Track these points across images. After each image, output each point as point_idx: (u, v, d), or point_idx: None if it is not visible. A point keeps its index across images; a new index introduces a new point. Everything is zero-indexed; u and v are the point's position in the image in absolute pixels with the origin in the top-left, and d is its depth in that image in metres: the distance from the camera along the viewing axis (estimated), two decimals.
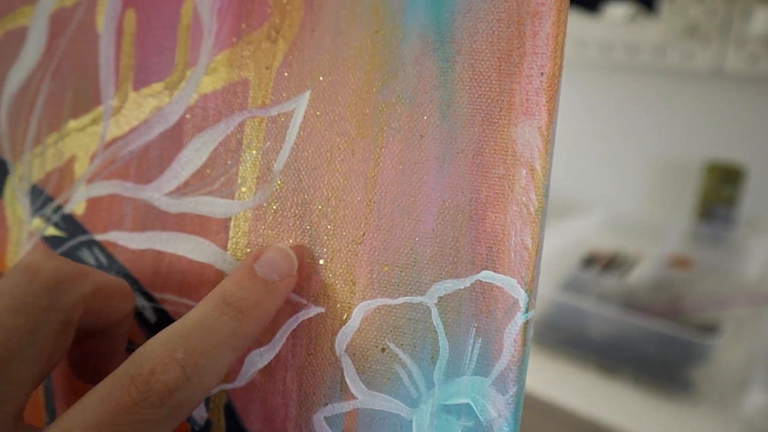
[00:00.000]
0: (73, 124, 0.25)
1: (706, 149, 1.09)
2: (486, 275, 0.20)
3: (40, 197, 0.25)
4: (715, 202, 1.04)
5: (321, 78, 0.21)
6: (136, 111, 0.24)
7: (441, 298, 0.20)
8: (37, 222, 0.25)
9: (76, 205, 0.25)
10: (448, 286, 0.20)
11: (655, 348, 0.75)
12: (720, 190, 1.04)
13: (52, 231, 0.25)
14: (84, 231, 0.24)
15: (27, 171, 0.25)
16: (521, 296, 0.19)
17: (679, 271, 0.92)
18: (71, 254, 0.25)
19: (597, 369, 0.78)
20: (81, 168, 0.24)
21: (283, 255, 0.21)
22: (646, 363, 0.75)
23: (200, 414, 0.23)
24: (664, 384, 0.73)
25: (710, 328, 0.76)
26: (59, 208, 0.25)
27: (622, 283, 0.88)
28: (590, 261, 0.97)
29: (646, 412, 0.71)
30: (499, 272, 0.20)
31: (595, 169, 1.23)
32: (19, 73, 0.26)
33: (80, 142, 0.25)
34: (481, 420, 0.20)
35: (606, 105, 1.21)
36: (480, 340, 0.20)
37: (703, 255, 0.97)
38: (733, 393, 0.72)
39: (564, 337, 0.80)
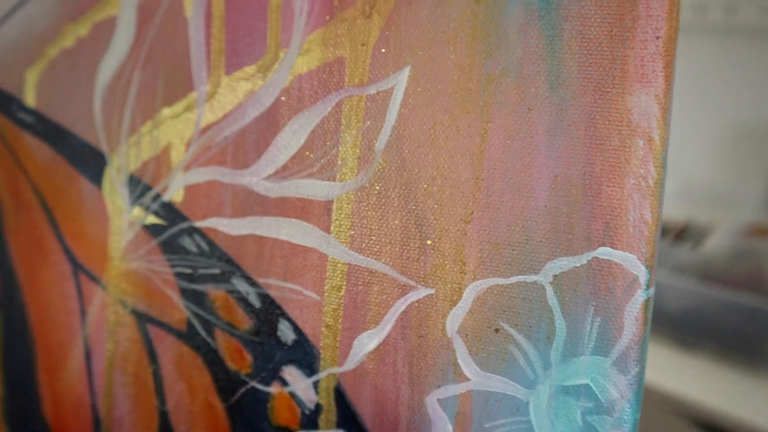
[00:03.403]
0: (167, 111, 0.25)
1: None
2: (603, 252, 0.19)
3: (138, 187, 0.25)
4: None
5: (420, 53, 0.20)
6: (229, 95, 0.23)
7: (556, 276, 0.19)
8: (136, 211, 0.26)
9: (175, 193, 0.25)
10: (563, 263, 0.19)
11: (737, 321, 0.73)
12: None
13: (152, 219, 0.25)
14: (184, 218, 0.24)
15: (124, 162, 0.26)
16: (642, 272, 0.19)
17: (758, 240, 0.88)
18: (173, 242, 0.25)
19: (673, 343, 0.75)
20: (177, 155, 0.25)
21: None
22: (726, 336, 0.73)
23: (309, 397, 0.23)
24: (746, 358, 0.71)
25: None
26: (158, 196, 0.25)
27: (697, 253, 0.85)
28: (661, 231, 0.94)
29: (727, 387, 0.69)
30: (617, 248, 0.19)
31: None
32: (110, 64, 0.26)
33: (175, 129, 0.25)
34: (602, 401, 0.19)
35: (675, 69, 1.16)
36: (599, 318, 0.19)
37: None
38: None
39: None
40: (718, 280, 0.78)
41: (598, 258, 0.19)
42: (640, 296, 0.19)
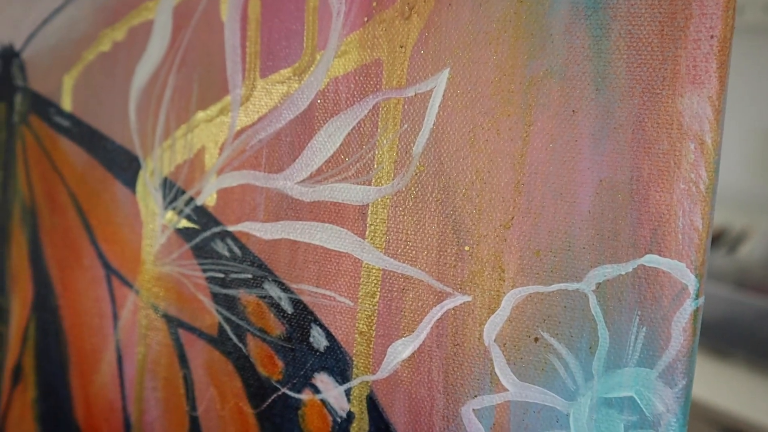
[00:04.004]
0: (201, 115, 0.25)
1: None
2: (650, 259, 0.18)
3: (172, 190, 0.25)
4: None
5: (460, 54, 0.20)
6: (265, 99, 0.23)
7: (599, 284, 0.19)
8: (169, 215, 0.25)
9: (208, 197, 0.24)
10: (608, 271, 0.19)
11: None
12: None
13: (185, 223, 0.25)
14: (217, 222, 0.24)
15: (158, 165, 0.26)
16: (691, 281, 0.18)
17: None
18: (205, 246, 0.25)
19: (708, 352, 0.74)
20: (211, 159, 0.24)
21: None
22: (762, 345, 0.71)
23: (341, 405, 0.22)
24: None
25: None
26: (191, 200, 0.25)
27: (733, 260, 0.83)
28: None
29: (763, 397, 0.67)
30: (665, 256, 0.18)
31: None
32: (145, 68, 0.26)
33: (209, 133, 0.24)
34: (647, 414, 0.18)
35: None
36: (644, 329, 0.18)
37: None
38: None
39: None
40: (753, 287, 0.76)
41: (645, 266, 0.18)
42: (688, 306, 0.18)
